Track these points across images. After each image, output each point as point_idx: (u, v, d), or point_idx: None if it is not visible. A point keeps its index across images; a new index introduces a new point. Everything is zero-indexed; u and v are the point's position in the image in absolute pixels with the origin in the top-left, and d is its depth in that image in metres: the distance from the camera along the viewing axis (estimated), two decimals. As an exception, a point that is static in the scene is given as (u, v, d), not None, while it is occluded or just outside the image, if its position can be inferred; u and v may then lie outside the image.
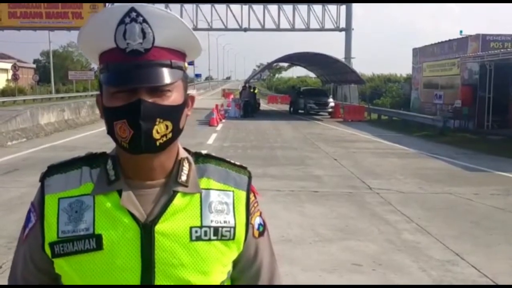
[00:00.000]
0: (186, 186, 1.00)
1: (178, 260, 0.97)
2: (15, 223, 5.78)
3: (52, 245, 0.97)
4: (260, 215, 1.11)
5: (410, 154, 12.72)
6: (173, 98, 0.96)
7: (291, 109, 30.68)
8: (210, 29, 34.41)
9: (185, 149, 1.08)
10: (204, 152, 1.09)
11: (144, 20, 0.93)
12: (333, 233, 5.66)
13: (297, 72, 75.15)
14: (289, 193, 7.71)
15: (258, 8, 32.32)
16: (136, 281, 0.95)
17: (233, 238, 1.02)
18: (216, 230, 1.00)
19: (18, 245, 1.06)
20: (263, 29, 33.00)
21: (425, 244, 5.30)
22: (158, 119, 0.94)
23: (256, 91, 30.27)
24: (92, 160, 1.04)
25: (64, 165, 1.04)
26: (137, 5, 0.93)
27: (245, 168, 1.11)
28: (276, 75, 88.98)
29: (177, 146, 1.04)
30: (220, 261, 1.01)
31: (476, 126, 18.70)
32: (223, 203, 1.03)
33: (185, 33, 0.98)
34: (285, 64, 70.87)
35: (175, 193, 0.99)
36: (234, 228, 1.02)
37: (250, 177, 1.10)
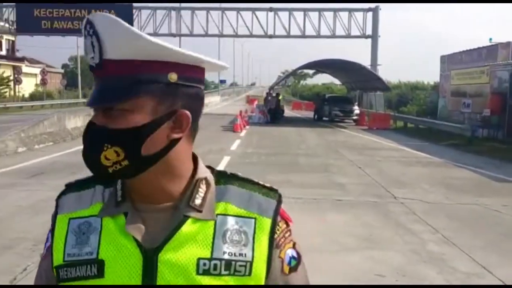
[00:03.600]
0: (200, 211, 0.88)
1: None
2: (41, 225, 5.87)
3: (57, 269, 0.91)
4: (294, 247, 0.94)
5: (437, 163, 12.49)
6: (130, 119, 0.82)
7: (316, 116, 30.56)
8: (236, 35, 34.61)
9: (209, 167, 0.96)
10: (230, 172, 0.96)
11: (94, 32, 0.82)
12: (356, 242, 5.57)
13: (322, 79, 74.89)
14: (312, 201, 7.64)
15: (283, 15, 32.41)
16: None
17: (249, 275, 0.87)
18: (228, 263, 0.86)
19: (40, 260, 1.01)
20: (288, 36, 33.03)
21: (450, 256, 5.16)
22: (105, 145, 0.82)
23: (280, 97, 30.26)
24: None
25: (80, 183, 0.97)
26: (92, 16, 0.83)
27: (275, 190, 0.95)
28: (301, 82, 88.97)
29: (188, 165, 0.91)
30: None
31: (506, 135, 18.26)
32: (241, 232, 0.88)
33: (143, 44, 0.82)
34: (310, 71, 70.83)
35: (185, 218, 0.87)
36: (251, 263, 0.87)
37: (279, 202, 0.93)
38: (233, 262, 0.86)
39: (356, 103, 29.54)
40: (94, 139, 0.84)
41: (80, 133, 16.29)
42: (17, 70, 43.14)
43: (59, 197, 0.98)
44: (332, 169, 10.91)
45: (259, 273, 0.88)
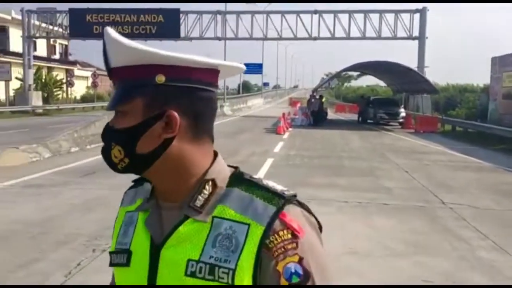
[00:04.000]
0: (200, 212, 0.88)
1: None
2: (93, 223, 6.11)
3: (110, 254, 1.00)
4: (300, 262, 0.83)
5: (487, 168, 12.10)
6: (126, 120, 0.89)
7: (360, 118, 30.19)
8: (280, 38, 34.66)
9: (234, 167, 0.96)
10: (248, 175, 0.93)
11: (104, 44, 0.90)
12: (403, 247, 5.50)
13: (367, 81, 73.97)
14: (357, 205, 7.58)
15: (328, 17, 32.19)
16: None
17: (232, 283, 0.83)
18: (212, 268, 0.84)
19: None
20: (333, 38, 32.78)
21: (501, 263, 5.02)
22: (112, 144, 0.90)
23: (324, 100, 30.09)
24: None
25: (139, 180, 1.04)
26: (105, 30, 0.91)
27: (282, 196, 0.88)
28: (345, 84, 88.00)
29: (200, 165, 0.91)
30: None
31: (561, 140, 17.46)
32: (232, 237, 0.85)
33: (121, 48, 0.88)
34: (355, 73, 69.99)
35: (185, 218, 0.88)
36: (234, 271, 0.83)
37: (281, 208, 0.86)
38: (217, 268, 0.84)
39: (402, 106, 28.98)
40: (105, 138, 0.92)
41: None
42: (69, 73, 44.80)
43: (125, 192, 1.08)
44: (378, 173, 10.77)
45: (242, 283, 0.83)
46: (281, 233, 0.84)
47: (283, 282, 0.83)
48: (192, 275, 0.85)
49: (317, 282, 0.84)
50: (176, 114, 0.87)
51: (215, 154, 0.95)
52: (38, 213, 6.58)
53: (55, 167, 10.47)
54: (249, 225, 0.85)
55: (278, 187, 0.90)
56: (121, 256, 0.96)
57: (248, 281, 0.83)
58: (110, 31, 0.88)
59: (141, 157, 0.88)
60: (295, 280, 0.83)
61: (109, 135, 0.91)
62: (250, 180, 0.91)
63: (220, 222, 0.87)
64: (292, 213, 0.87)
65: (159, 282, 0.88)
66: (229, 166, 0.96)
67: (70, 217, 6.46)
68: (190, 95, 0.89)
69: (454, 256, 5.22)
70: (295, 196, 0.90)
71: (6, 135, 17.63)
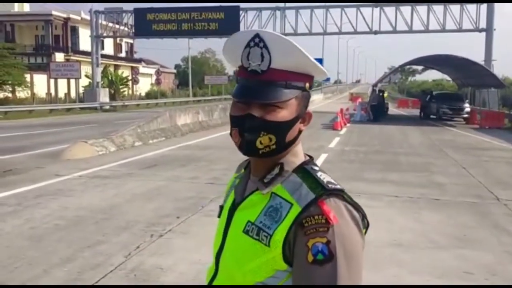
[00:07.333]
0: (265, 187, 1.10)
1: (232, 244, 1.13)
2: (152, 211, 6.59)
3: (219, 207, 1.28)
4: (327, 243, 0.99)
5: (552, 165, 11.59)
6: (282, 114, 1.08)
7: (422, 114, 29.45)
8: (339, 32, 34.40)
9: (308, 156, 1.18)
10: (312, 165, 1.13)
11: (265, 46, 1.07)
12: (448, 240, 5.53)
13: (433, 75, 71.59)
14: (407, 199, 7.60)
15: (389, 10, 31.60)
16: (216, 251, 1.20)
17: (268, 246, 1.04)
18: (258, 230, 1.06)
19: None
20: (394, 31, 32.14)
21: (550, 260, 4.95)
22: (262, 132, 1.08)
23: (386, 95, 29.59)
24: None
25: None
26: (262, 32, 1.08)
27: (325, 188, 1.05)
28: (409, 78, 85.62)
29: (286, 152, 1.13)
30: (253, 260, 1.06)
31: None
32: (278, 211, 1.05)
33: (302, 59, 1.08)
34: (419, 67, 67.90)
35: (256, 189, 1.12)
36: (270, 236, 1.04)
37: (319, 197, 1.03)
38: (261, 231, 1.06)
39: (467, 101, 27.97)
40: (252, 127, 1.09)
41: (189, 129, 17.49)
42: (135, 71, 46.75)
43: (240, 164, 1.32)
44: (433, 169, 10.63)
45: (275, 248, 1.03)
46: (316, 217, 1.00)
47: (310, 257, 0.98)
48: (246, 232, 1.08)
49: (341, 266, 0.98)
50: (311, 112, 1.16)
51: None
52: (103, 201, 7.14)
53: (120, 160, 11.15)
54: (292, 204, 1.04)
55: (326, 180, 1.07)
56: (219, 210, 1.25)
57: (277, 246, 1.03)
58: (280, 35, 1.07)
59: (286, 145, 1.11)
60: (319, 257, 0.98)
61: (259, 125, 1.07)
62: (308, 170, 1.10)
63: (275, 197, 1.08)
64: (331, 203, 1.03)
65: (229, 233, 1.14)
66: (306, 154, 1.19)
67: (131, 205, 6.96)
68: (309, 97, 1.16)
69: (500, 250, 5.20)
70: (341, 190, 1.06)
71: (77, 130, 18.84)
